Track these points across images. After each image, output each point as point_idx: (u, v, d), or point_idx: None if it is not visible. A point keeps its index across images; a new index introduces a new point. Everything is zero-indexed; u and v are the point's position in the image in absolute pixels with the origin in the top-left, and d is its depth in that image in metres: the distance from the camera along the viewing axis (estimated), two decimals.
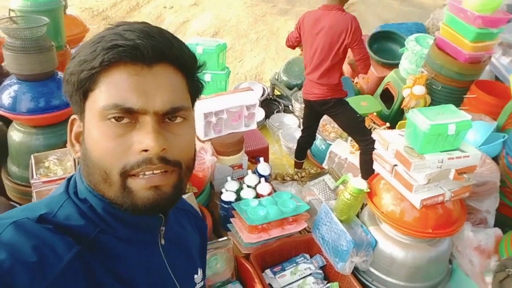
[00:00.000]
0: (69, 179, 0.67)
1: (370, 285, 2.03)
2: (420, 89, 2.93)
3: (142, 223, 0.66)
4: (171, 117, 0.60)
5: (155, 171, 0.57)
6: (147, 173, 0.57)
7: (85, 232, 0.59)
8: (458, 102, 2.95)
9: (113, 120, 0.56)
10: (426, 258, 1.93)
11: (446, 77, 2.91)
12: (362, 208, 2.25)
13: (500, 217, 2.28)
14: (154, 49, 0.56)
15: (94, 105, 0.57)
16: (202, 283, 0.82)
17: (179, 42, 0.61)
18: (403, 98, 3.09)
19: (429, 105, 3.02)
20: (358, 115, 2.66)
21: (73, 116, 0.65)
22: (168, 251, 0.71)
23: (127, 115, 0.56)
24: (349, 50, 2.55)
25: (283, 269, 2.14)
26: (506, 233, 2.13)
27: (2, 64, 2.56)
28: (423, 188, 1.79)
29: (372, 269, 2.03)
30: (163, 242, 0.70)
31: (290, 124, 3.66)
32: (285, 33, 5.61)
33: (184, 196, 2.16)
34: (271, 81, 4.08)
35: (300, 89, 3.93)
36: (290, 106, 3.88)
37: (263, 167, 2.54)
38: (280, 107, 3.93)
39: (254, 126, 2.61)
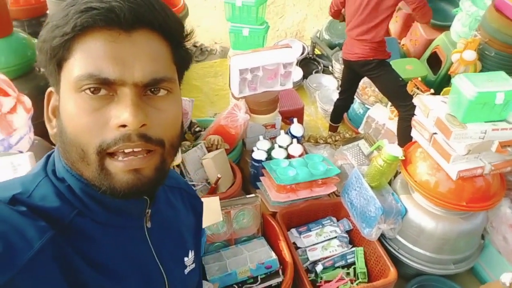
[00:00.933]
0: (48, 156, 0.62)
1: (396, 253, 2.02)
2: (471, 55, 2.72)
3: (123, 207, 0.61)
4: (153, 90, 0.54)
5: (135, 149, 0.52)
6: (126, 150, 0.52)
7: (61, 215, 0.55)
8: (511, 71, 2.74)
9: (88, 92, 0.51)
10: (456, 231, 1.87)
11: (502, 42, 2.68)
12: (395, 176, 2.19)
13: None
14: (132, 12, 0.50)
15: (69, 76, 0.52)
16: (194, 265, 0.79)
17: (162, 6, 0.55)
18: (452, 63, 2.90)
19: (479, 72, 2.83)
20: (400, 79, 2.51)
21: (49, 89, 0.59)
22: (155, 235, 0.67)
23: (104, 87, 0.51)
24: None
25: (309, 230, 2.16)
26: None
27: None
28: (462, 159, 1.71)
29: (399, 238, 2.00)
30: (149, 225, 0.66)
31: (328, 86, 3.55)
32: None
33: (216, 152, 2.19)
34: (312, 40, 3.93)
35: (341, 48, 3.77)
36: (330, 67, 3.75)
37: (296, 128, 2.50)
38: (320, 67, 3.80)
39: (290, 85, 2.55)
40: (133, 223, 0.64)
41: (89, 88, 0.50)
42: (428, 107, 1.76)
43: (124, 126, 0.50)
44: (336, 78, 3.63)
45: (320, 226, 2.18)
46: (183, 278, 0.75)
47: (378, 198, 1.94)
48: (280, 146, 2.42)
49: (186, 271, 0.76)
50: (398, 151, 1.90)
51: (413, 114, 1.89)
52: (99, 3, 0.50)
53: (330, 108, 3.22)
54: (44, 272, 0.50)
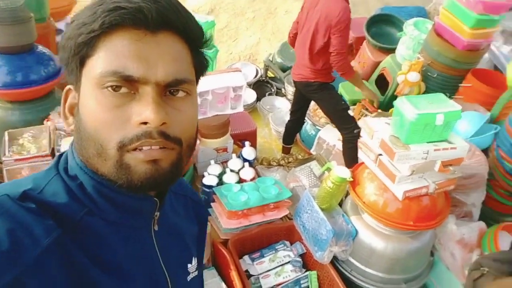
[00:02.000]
0: (60, 155, 0.63)
1: (349, 275, 2.00)
2: (415, 76, 2.83)
3: (134, 206, 0.61)
4: (173, 91, 0.55)
5: (153, 147, 0.53)
6: (145, 148, 0.52)
7: (71, 213, 0.55)
8: (453, 91, 2.87)
9: (110, 89, 0.52)
10: (406, 250, 1.88)
11: (443, 64, 2.81)
12: (345, 197, 2.20)
13: (485, 210, 2.23)
14: (159, 14, 0.52)
15: (91, 72, 0.53)
16: (196, 273, 0.78)
17: (186, 11, 0.57)
18: (398, 84, 3.00)
19: (423, 93, 2.94)
20: (342, 102, 2.57)
21: (68, 87, 0.60)
22: (161, 238, 0.67)
23: (126, 84, 0.52)
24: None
25: (262, 256, 2.11)
26: (490, 227, 2.08)
27: None
28: (407, 180, 1.73)
29: (351, 259, 1.99)
30: (156, 228, 0.66)
31: (281, 108, 3.57)
32: (282, 12, 5.46)
33: None
34: (265, 63, 3.97)
35: None
36: (282, 89, 3.79)
37: (248, 152, 2.48)
38: (273, 90, 3.83)
39: (240, 108, 2.53)
40: (142, 224, 0.64)
41: (112, 86, 0.51)
42: (372, 129, 1.78)
43: (145, 123, 0.51)
44: (288, 100, 3.67)
45: (274, 251, 2.14)
46: (186, 285, 0.75)
47: (329, 220, 1.93)
48: (231, 171, 2.38)
49: (189, 278, 0.76)
50: (346, 173, 1.91)
51: (356, 137, 1.92)
52: (127, 3, 0.51)
53: (283, 129, 3.23)
54: (51, 270, 0.50)
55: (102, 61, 0.52)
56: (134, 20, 0.51)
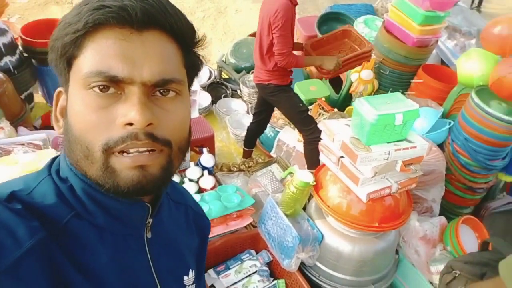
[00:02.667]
0: (54, 158, 0.62)
1: (317, 280, 1.96)
2: (368, 74, 2.86)
3: (124, 211, 0.59)
4: (162, 91, 0.54)
5: (140, 149, 0.51)
6: (131, 150, 0.51)
7: (58, 216, 0.53)
8: (405, 87, 2.93)
9: (96, 89, 0.50)
10: (373, 251, 1.87)
11: (394, 61, 2.86)
12: (309, 200, 2.16)
13: (444, 204, 2.28)
14: (144, 12, 0.51)
15: (78, 73, 0.52)
16: (194, 286, 0.75)
17: (174, 9, 0.55)
18: (352, 82, 3.02)
19: (376, 90, 2.98)
20: (301, 104, 2.51)
21: (59, 89, 0.59)
22: (154, 246, 0.64)
23: (112, 85, 0.51)
24: None
25: (227, 268, 2.02)
26: (451, 221, 2.12)
27: None
28: (370, 181, 1.71)
29: (319, 264, 1.95)
30: (149, 235, 0.64)
31: (238, 110, 3.50)
32: (233, 11, 5.38)
33: None
34: (218, 64, 3.87)
35: (248, 72, 3.76)
36: (238, 91, 3.71)
37: (206, 159, 2.38)
38: (228, 92, 3.74)
39: (196, 113, 2.45)
40: (133, 231, 0.62)
41: (98, 86, 0.50)
42: (332, 131, 1.74)
43: (130, 124, 0.50)
44: (245, 101, 3.60)
45: (239, 262, 2.06)
46: None
47: (294, 226, 1.87)
48: (190, 180, 2.28)
49: None
50: (308, 177, 1.87)
51: (317, 138, 1.88)
52: (112, 2, 0.50)
53: (242, 132, 3.15)
54: (30, 273, 0.48)
55: (88, 62, 0.51)
56: (118, 19, 0.50)
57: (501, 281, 0.97)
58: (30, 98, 3.21)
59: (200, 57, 0.62)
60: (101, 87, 0.50)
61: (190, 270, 0.74)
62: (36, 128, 2.66)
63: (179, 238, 0.73)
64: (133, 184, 0.52)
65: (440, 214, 2.20)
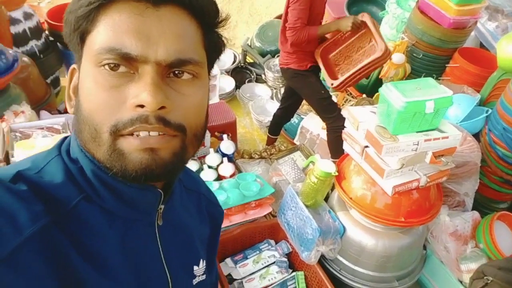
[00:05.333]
0: (65, 137, 0.59)
1: (338, 274, 1.88)
2: (399, 57, 2.69)
3: (135, 196, 0.56)
4: (177, 72, 0.50)
5: (151, 133, 0.48)
6: (141, 134, 0.48)
7: (66, 197, 0.51)
8: (440, 72, 2.75)
9: (107, 67, 0.47)
10: (398, 246, 1.77)
11: (428, 44, 2.68)
12: (331, 191, 2.06)
13: (478, 198, 2.13)
14: None
15: (90, 49, 0.49)
16: (204, 276, 0.72)
17: None
18: (382, 66, 2.86)
19: (408, 75, 2.81)
20: (322, 91, 2.36)
21: (72, 66, 0.56)
22: (165, 234, 0.62)
23: (124, 63, 0.47)
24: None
25: (245, 257, 1.98)
26: (484, 217, 1.98)
27: None
28: (396, 173, 1.60)
29: (340, 258, 1.87)
30: (160, 222, 0.61)
31: (262, 95, 3.40)
32: None
33: None
34: (242, 47, 3.78)
35: (273, 56, 3.65)
36: (262, 75, 3.61)
37: (226, 145, 2.32)
38: (252, 76, 3.65)
39: (216, 99, 2.38)
40: (144, 217, 0.59)
41: (109, 64, 0.47)
42: (357, 119, 1.63)
43: (142, 106, 0.47)
44: (270, 87, 3.50)
45: (258, 252, 2.00)
46: None
47: (315, 218, 1.79)
48: (209, 167, 2.23)
49: (195, 281, 0.70)
50: (330, 167, 1.77)
51: (340, 126, 1.77)
52: None
53: (265, 118, 3.07)
54: (31, 262, 0.45)
55: (100, 37, 0.48)
56: None
57: None
58: (56, 82, 3.25)
59: (223, 39, 0.58)
60: (112, 65, 0.48)
61: (201, 260, 0.72)
62: (60, 112, 2.68)
63: (190, 227, 0.71)
64: (141, 168, 0.48)
65: (473, 209, 2.05)
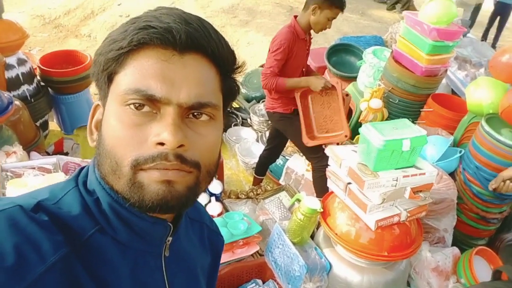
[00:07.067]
0: (82, 168, 0.62)
1: None
2: (377, 103, 2.86)
3: (146, 228, 0.59)
4: (196, 114, 0.54)
5: (169, 169, 0.51)
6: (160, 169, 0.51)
7: (82, 229, 0.53)
8: (415, 116, 2.91)
9: (132, 107, 0.51)
10: (383, 282, 1.81)
11: (403, 90, 2.86)
12: (317, 228, 2.12)
13: (457, 234, 2.22)
14: (188, 35, 0.52)
15: (117, 89, 0.53)
16: None
17: (218, 35, 0.56)
18: (361, 111, 3.02)
19: (386, 119, 2.96)
20: None
21: (96, 102, 0.60)
22: (171, 265, 0.65)
23: (148, 103, 0.51)
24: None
25: None
26: (464, 252, 2.05)
27: None
28: (378, 208, 1.68)
29: None
30: (167, 254, 0.64)
31: (248, 138, 3.52)
32: (245, 44, 5.52)
33: None
34: None
35: (258, 101, 3.81)
36: (248, 120, 3.75)
37: (214, 185, 2.38)
38: (238, 120, 3.78)
39: None
40: (153, 249, 0.62)
41: (134, 104, 0.51)
42: (339, 157, 1.73)
43: (162, 144, 0.50)
44: (255, 130, 3.62)
45: None
46: None
47: (302, 255, 1.83)
48: None
49: None
50: (316, 204, 1.84)
51: (325, 165, 1.86)
52: (158, 23, 0.51)
53: (251, 160, 3.16)
54: None
55: (128, 79, 0.52)
56: (162, 40, 0.51)
57: None
58: (45, 125, 3.29)
59: (237, 82, 0.62)
60: (137, 104, 0.51)
61: None
62: (48, 154, 2.71)
63: (193, 257, 0.73)
64: (158, 199, 0.52)
65: (453, 245, 2.13)
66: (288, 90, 2.36)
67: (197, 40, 0.53)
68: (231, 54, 0.59)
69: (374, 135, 1.61)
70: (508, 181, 1.92)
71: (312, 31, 2.39)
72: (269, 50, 2.31)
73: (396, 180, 1.63)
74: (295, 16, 2.36)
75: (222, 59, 0.57)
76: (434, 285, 1.92)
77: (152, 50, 0.52)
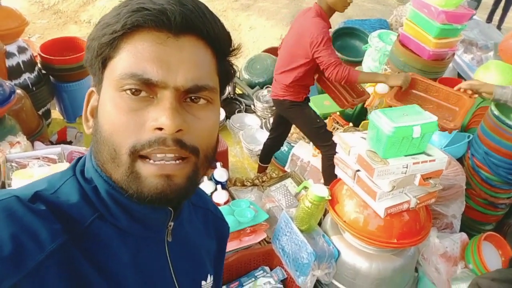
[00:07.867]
0: (79, 158, 0.62)
1: None
2: (383, 87, 2.81)
3: (147, 215, 0.58)
4: (194, 98, 0.53)
5: (168, 155, 0.50)
6: (158, 155, 0.50)
7: (81, 217, 0.53)
8: None
9: (128, 92, 0.50)
10: (391, 268, 1.81)
11: None
12: (325, 216, 2.11)
13: (465, 220, 2.21)
14: (183, 17, 0.50)
15: (112, 74, 0.52)
16: None
17: (213, 16, 0.54)
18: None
19: None
20: (318, 120, 2.47)
21: (91, 89, 0.59)
22: (174, 250, 0.64)
23: (145, 88, 0.50)
24: None
25: (241, 285, 1.98)
26: (472, 238, 2.05)
27: None
28: (387, 196, 1.66)
29: (335, 282, 1.89)
30: (170, 239, 0.63)
31: (252, 125, 3.49)
32: (247, 28, 5.44)
33: None
34: None
35: (262, 87, 3.77)
36: (252, 106, 3.71)
37: (219, 173, 2.36)
38: (242, 107, 3.75)
39: None
40: (154, 235, 0.61)
41: (130, 89, 0.50)
42: (348, 144, 1.71)
43: (160, 129, 0.49)
44: (259, 116, 3.59)
45: (253, 279, 2.01)
46: None
47: (309, 242, 1.83)
48: None
49: None
50: (323, 191, 1.83)
51: (335, 153, 1.84)
52: (152, 5, 0.50)
53: (255, 147, 3.14)
54: (51, 277, 0.47)
55: (123, 63, 0.50)
56: (156, 22, 0.49)
57: None
58: (47, 114, 3.27)
59: (234, 66, 0.61)
60: (133, 90, 0.50)
61: (209, 275, 0.73)
62: (52, 143, 2.69)
63: (198, 242, 0.72)
64: (156, 193, 0.51)
65: (461, 231, 2.12)
66: (347, 82, 2.29)
67: (192, 21, 0.51)
68: (227, 35, 0.57)
69: (384, 122, 1.58)
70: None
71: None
72: (313, 45, 2.19)
73: (406, 167, 1.61)
74: (316, 3, 2.31)
75: (218, 40, 0.55)
76: (442, 271, 1.92)
77: (147, 33, 0.50)
